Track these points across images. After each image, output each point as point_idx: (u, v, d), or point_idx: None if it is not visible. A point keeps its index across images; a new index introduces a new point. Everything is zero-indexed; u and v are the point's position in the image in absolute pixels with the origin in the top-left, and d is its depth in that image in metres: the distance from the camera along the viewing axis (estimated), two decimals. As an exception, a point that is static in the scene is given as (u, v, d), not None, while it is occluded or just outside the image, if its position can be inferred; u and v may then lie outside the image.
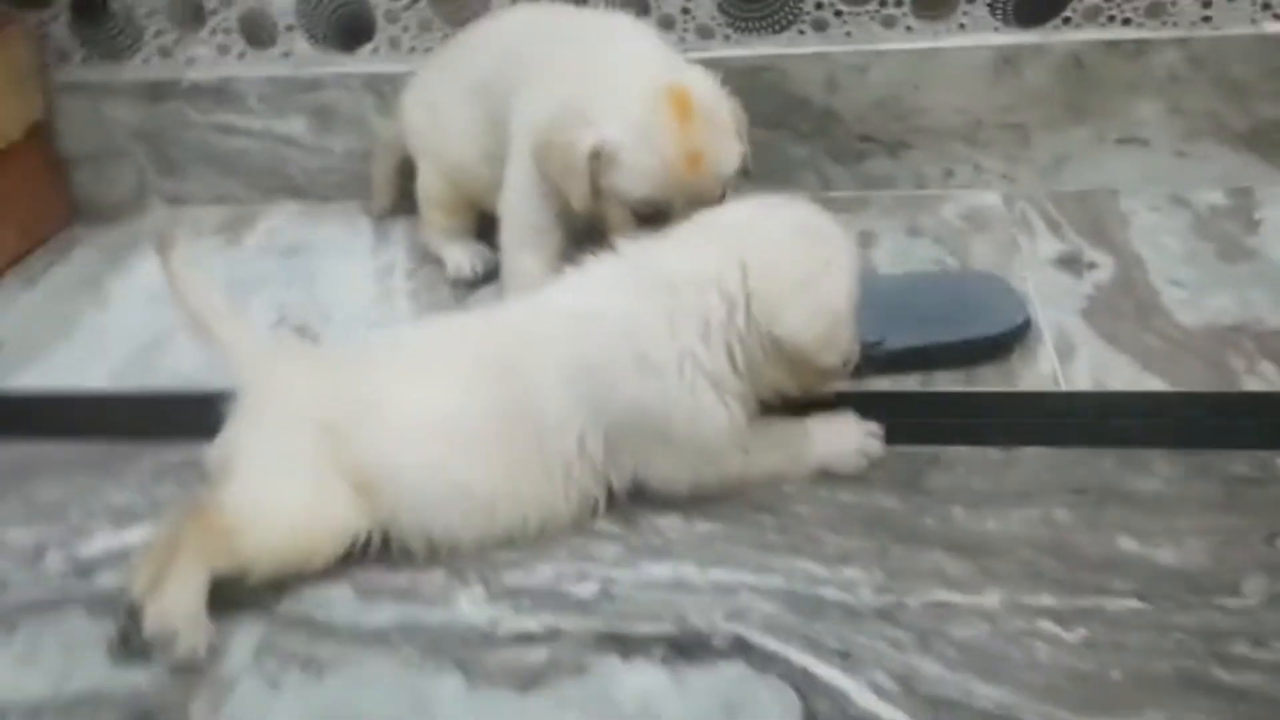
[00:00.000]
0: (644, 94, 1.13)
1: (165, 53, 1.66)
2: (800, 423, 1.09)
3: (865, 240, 1.44)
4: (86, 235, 1.71)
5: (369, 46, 1.61)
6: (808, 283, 1.01)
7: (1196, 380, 1.15)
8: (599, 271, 1.07)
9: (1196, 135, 1.46)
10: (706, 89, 1.17)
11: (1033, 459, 1.07)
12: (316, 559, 1.00)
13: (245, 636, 0.98)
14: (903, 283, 1.33)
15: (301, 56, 1.63)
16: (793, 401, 1.08)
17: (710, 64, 1.42)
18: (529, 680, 0.91)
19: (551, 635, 0.95)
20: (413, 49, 1.59)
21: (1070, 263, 1.35)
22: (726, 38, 1.52)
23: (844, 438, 1.09)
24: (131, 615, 0.96)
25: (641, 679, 0.90)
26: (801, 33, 1.50)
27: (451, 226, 1.45)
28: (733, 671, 0.90)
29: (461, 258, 1.44)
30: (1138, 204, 1.46)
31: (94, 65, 1.68)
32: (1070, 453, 1.07)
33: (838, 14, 1.48)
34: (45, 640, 1.00)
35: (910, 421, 1.11)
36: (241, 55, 1.65)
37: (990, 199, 1.51)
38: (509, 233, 1.30)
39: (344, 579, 1.02)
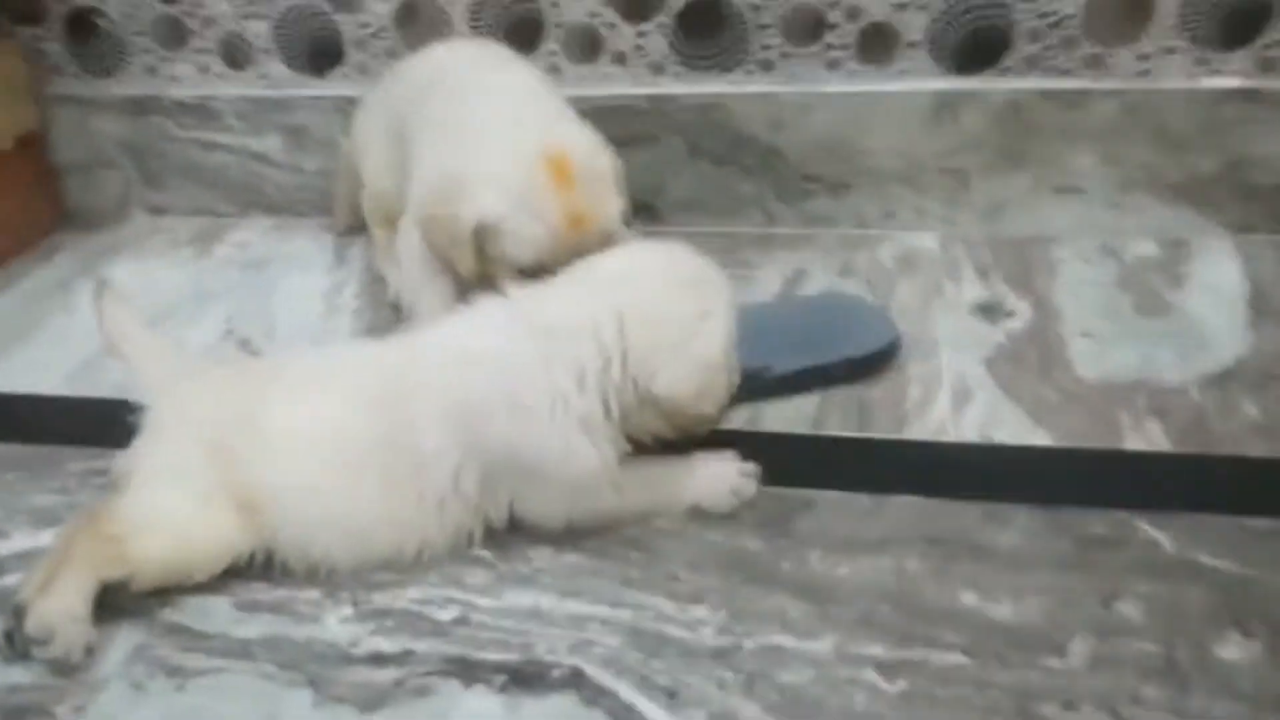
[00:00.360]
0: (521, 161, 1.15)
1: (150, 70, 1.73)
2: (677, 461, 1.11)
3: (798, 277, 1.47)
4: (71, 241, 1.79)
5: (339, 70, 1.67)
6: (683, 339, 1.04)
7: (1082, 435, 1.16)
8: (483, 313, 1.11)
9: (1132, 186, 1.46)
10: (584, 147, 1.19)
11: (900, 507, 1.09)
12: (199, 571, 1.05)
13: (123, 642, 1.02)
14: (779, 309, 1.38)
15: (276, 78, 1.69)
16: (674, 440, 1.10)
17: (660, 100, 1.46)
18: (374, 700, 0.95)
19: (404, 657, 0.99)
20: (380, 74, 1.64)
21: (988, 310, 1.37)
22: (676, 75, 1.54)
23: (719, 478, 1.11)
24: (18, 615, 1.00)
25: (479, 704, 0.94)
26: (749, 73, 1.53)
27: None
28: (564, 703, 0.93)
29: (402, 278, 1.47)
30: (1068, 253, 1.46)
31: (84, 80, 1.76)
32: (938, 503, 1.08)
33: (784, 55, 1.51)
34: (-59, 636, 1.05)
35: (789, 464, 1.13)
36: (221, 75, 1.71)
37: (928, 241, 1.53)
38: (406, 290, 1.35)
39: (225, 591, 1.06)
